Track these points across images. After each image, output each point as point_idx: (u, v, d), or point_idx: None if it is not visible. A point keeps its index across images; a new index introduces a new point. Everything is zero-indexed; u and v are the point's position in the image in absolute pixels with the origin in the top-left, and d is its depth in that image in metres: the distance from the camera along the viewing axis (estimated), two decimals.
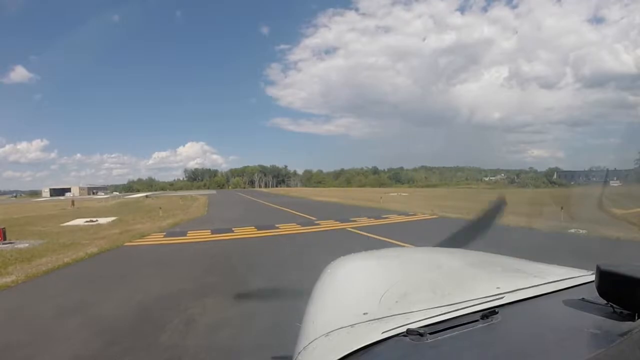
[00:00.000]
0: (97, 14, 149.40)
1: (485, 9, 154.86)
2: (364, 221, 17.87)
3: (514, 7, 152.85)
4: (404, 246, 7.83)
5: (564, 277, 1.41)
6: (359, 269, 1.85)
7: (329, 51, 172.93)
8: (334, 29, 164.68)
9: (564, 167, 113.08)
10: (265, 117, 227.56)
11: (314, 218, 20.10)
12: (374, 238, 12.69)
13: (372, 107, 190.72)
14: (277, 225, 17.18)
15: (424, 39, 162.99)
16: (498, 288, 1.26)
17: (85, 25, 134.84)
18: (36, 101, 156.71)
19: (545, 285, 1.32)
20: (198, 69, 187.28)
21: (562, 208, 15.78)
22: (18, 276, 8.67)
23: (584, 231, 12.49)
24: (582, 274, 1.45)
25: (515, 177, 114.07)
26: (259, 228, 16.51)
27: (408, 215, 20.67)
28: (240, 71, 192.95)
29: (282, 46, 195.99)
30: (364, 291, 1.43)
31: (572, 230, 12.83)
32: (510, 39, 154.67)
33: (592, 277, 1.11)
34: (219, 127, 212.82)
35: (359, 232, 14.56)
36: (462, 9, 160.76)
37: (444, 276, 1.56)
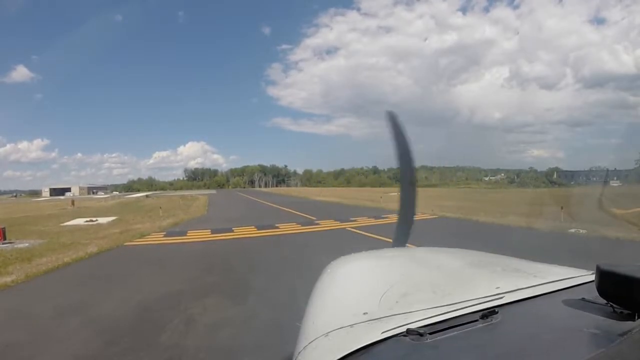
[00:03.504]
0: (99, 14, 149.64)
1: (486, 10, 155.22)
2: (364, 221, 17.87)
3: (516, 7, 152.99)
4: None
5: (564, 277, 1.39)
6: (359, 269, 1.83)
7: (330, 51, 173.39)
8: (335, 29, 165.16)
9: (564, 167, 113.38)
10: (266, 117, 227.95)
11: (314, 218, 20.11)
12: (374, 238, 12.67)
13: (373, 107, 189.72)
14: (277, 225, 17.19)
15: (425, 39, 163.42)
16: (498, 288, 1.25)
17: (86, 25, 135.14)
18: (37, 101, 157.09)
19: (545, 285, 1.31)
20: (199, 69, 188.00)
21: (562, 208, 15.77)
22: (18, 276, 8.68)
23: (584, 231, 12.49)
24: (582, 274, 1.43)
25: (516, 177, 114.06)
26: (259, 228, 16.53)
27: None
28: (241, 71, 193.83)
29: (284, 46, 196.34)
30: (364, 291, 1.41)
31: (572, 230, 12.83)
32: (511, 40, 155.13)
33: (592, 277, 1.10)
34: (219, 127, 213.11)
35: (358, 231, 14.57)
36: (463, 10, 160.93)
37: (444, 276, 1.55)
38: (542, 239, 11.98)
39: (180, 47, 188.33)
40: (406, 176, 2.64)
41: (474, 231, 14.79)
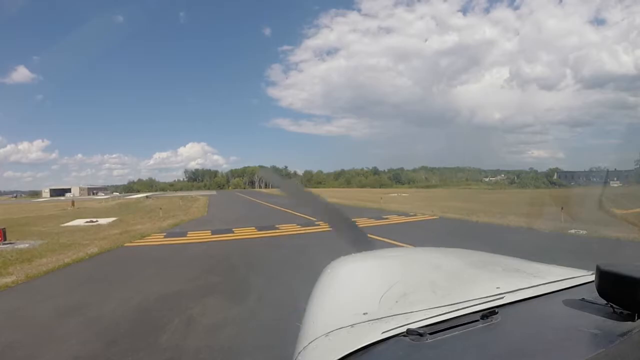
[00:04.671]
0: (100, 14, 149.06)
1: (487, 10, 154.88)
2: (364, 222, 17.81)
3: (516, 8, 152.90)
4: (404, 246, 7.83)
5: (564, 277, 1.40)
6: (359, 269, 1.84)
7: (331, 52, 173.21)
8: (335, 29, 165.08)
9: (564, 167, 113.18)
10: (266, 118, 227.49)
11: (313, 219, 20.05)
12: (374, 239, 12.64)
13: (373, 107, 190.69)
14: (277, 226, 17.18)
15: (425, 40, 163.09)
16: (498, 288, 1.26)
17: (87, 26, 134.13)
18: (38, 101, 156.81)
19: (545, 285, 1.32)
20: (199, 69, 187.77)
21: (562, 208, 15.78)
22: (18, 276, 8.67)
23: (584, 232, 12.48)
24: (582, 274, 1.44)
25: (516, 178, 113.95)
26: (259, 229, 16.53)
27: (408, 215, 20.64)
28: (242, 72, 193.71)
29: (284, 47, 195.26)
30: (364, 291, 1.42)
31: (572, 231, 12.82)
32: (511, 40, 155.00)
33: (592, 277, 1.11)
34: (220, 128, 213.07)
35: None
36: (464, 10, 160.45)
37: (444, 276, 1.55)
38: (542, 239, 11.98)
39: (180, 47, 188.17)
40: (304, 199, 2.71)
41: (475, 231, 14.79)
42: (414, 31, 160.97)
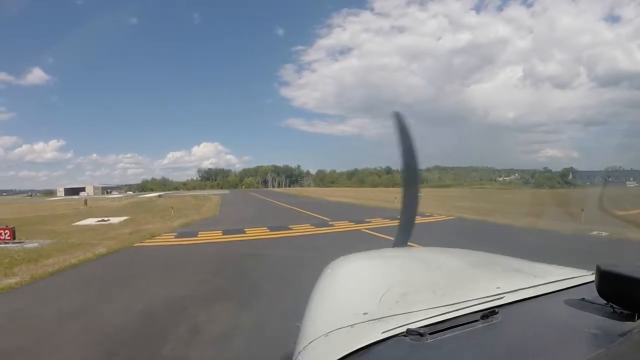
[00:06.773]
0: (114, 16, 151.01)
1: (500, 8, 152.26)
2: (379, 222, 17.39)
3: (529, 5, 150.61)
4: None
5: (564, 277, 1.41)
6: (359, 269, 1.84)
7: (343, 52, 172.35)
8: (348, 29, 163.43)
9: (579, 167, 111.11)
10: (279, 118, 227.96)
11: (327, 219, 19.72)
12: (391, 240, 12.21)
13: (386, 107, 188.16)
14: (290, 226, 16.86)
15: (438, 39, 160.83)
16: (498, 288, 1.27)
17: (102, 28, 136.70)
18: (53, 102, 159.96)
19: (546, 285, 1.33)
20: (213, 70, 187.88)
21: (582, 210, 15.26)
22: (23, 277, 8.47)
23: (606, 233, 12.26)
24: (582, 274, 1.46)
25: (530, 177, 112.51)
26: (271, 229, 16.18)
27: (424, 216, 20.10)
28: (255, 72, 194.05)
29: (297, 47, 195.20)
30: (364, 291, 1.42)
31: (595, 233, 12.54)
32: (525, 39, 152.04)
33: (592, 277, 1.13)
34: (233, 128, 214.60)
35: (374, 233, 14.12)
36: (477, 8, 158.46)
37: (444, 276, 1.57)
38: (565, 242, 11.48)
39: (194, 48, 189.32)
40: (410, 176, 2.68)
41: (494, 233, 14.27)
42: (426, 30, 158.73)
